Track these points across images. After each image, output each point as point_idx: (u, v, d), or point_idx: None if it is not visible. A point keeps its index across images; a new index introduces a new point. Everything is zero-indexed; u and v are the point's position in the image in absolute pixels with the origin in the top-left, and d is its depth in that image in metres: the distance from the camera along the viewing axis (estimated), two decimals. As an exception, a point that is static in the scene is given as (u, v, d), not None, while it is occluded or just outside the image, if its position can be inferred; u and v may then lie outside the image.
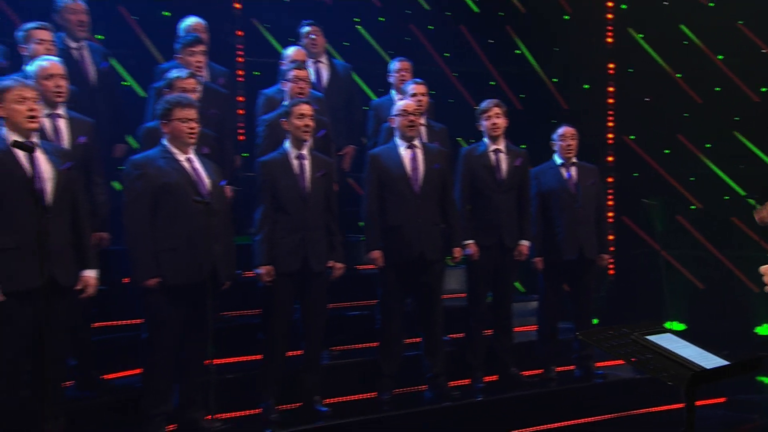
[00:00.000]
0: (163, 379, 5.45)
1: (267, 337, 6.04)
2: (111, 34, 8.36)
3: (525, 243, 6.97)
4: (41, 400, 4.89)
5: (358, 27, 9.72)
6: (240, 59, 9.02)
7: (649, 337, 3.35)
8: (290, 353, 6.17)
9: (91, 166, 5.62)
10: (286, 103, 6.41)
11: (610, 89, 9.91)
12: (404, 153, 6.44)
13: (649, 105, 9.95)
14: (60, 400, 5.03)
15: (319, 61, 7.81)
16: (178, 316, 5.39)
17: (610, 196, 9.61)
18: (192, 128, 5.40)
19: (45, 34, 6.03)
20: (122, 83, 8.18)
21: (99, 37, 8.50)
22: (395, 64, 7.71)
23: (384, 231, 6.38)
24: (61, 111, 5.51)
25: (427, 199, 6.41)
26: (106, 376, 5.94)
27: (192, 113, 5.41)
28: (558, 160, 7.29)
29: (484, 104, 6.97)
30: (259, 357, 6.17)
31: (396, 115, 6.48)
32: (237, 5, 9.09)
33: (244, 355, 6.53)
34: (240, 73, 8.89)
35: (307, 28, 7.79)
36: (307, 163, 6.02)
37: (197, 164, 5.48)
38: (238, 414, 6.09)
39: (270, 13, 9.23)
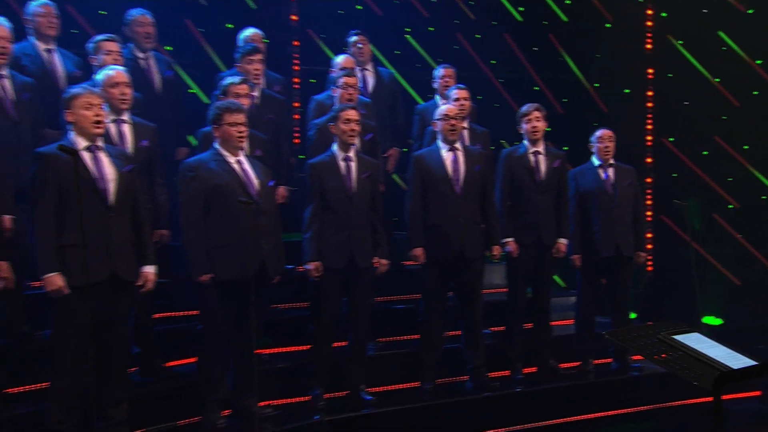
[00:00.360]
0: (217, 367, 5.48)
1: (315, 328, 6.06)
2: (178, 45, 8.49)
3: (563, 241, 6.88)
4: (105, 386, 4.99)
5: (408, 36, 9.67)
6: (296, 67, 9.10)
7: (676, 337, 3.22)
8: (337, 344, 6.18)
9: (153, 167, 5.66)
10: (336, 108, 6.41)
11: (649, 93, 9.76)
12: (446, 155, 6.39)
13: (687, 108, 9.75)
14: (123, 387, 5.07)
15: (365, 69, 7.80)
16: (230, 309, 5.42)
17: (648, 196, 9.51)
18: (241, 132, 5.43)
19: (113, 46, 6.12)
20: (188, 91, 8.28)
21: (168, 48, 8.65)
22: (440, 71, 7.67)
23: (426, 229, 6.34)
24: (125, 116, 5.56)
25: (468, 199, 6.35)
26: (167, 364, 6.01)
27: (241, 118, 5.43)
28: (596, 161, 7.18)
29: (525, 108, 6.88)
30: (308, 347, 6.19)
31: (438, 119, 6.43)
32: (294, 17, 9.15)
33: (295, 345, 6.53)
34: (296, 80, 8.97)
35: (354, 38, 7.79)
36: (353, 164, 6.01)
37: (246, 166, 5.50)
38: (288, 401, 6.13)
39: (325, 23, 9.23)
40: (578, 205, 7.12)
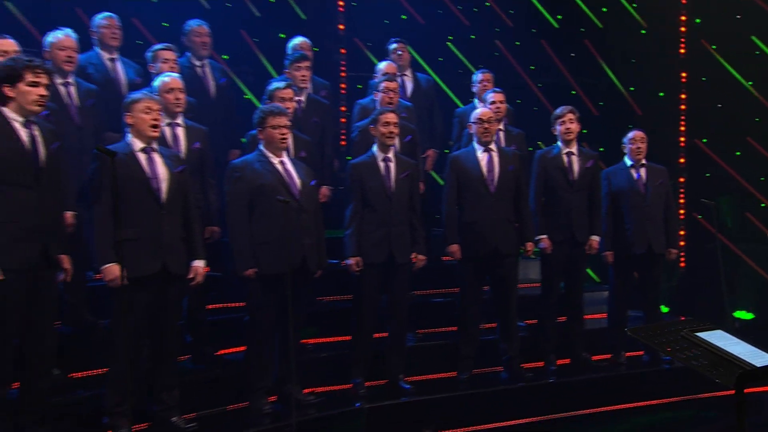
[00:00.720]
0: (263, 356, 5.50)
1: (356, 320, 6.05)
2: (234, 53, 8.56)
3: (595, 238, 6.77)
4: (158, 372, 5.04)
5: (449, 44, 9.61)
6: (343, 74, 9.11)
7: (699, 334, 3.04)
8: (378, 335, 6.15)
9: (204, 168, 5.71)
10: (378, 111, 6.41)
11: (683, 96, 9.54)
12: (481, 156, 6.33)
13: (720, 111, 9.51)
14: (175, 373, 5.11)
15: (404, 75, 7.75)
16: (274, 301, 5.44)
17: (681, 195, 9.34)
18: (283, 134, 5.44)
19: (169, 54, 6.20)
20: (244, 97, 8.34)
21: (225, 57, 8.73)
22: (478, 75, 7.62)
23: (461, 227, 6.29)
24: (179, 120, 5.61)
25: (502, 198, 6.28)
26: (218, 352, 6.04)
27: (283, 121, 5.44)
28: (628, 161, 7.04)
29: (559, 110, 6.79)
30: (350, 338, 6.19)
31: (473, 122, 6.38)
32: (341, 27, 9.17)
33: (338, 336, 6.49)
34: (343, 86, 8.99)
35: (394, 45, 7.75)
36: (392, 165, 5.98)
37: (289, 167, 5.51)
38: (330, 388, 6.11)
39: (371, 33, 9.21)
40: (611, 204, 7.00)
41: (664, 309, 8.73)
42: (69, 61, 5.60)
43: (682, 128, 9.54)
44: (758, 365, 2.85)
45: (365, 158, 6.03)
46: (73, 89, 5.68)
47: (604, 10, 9.91)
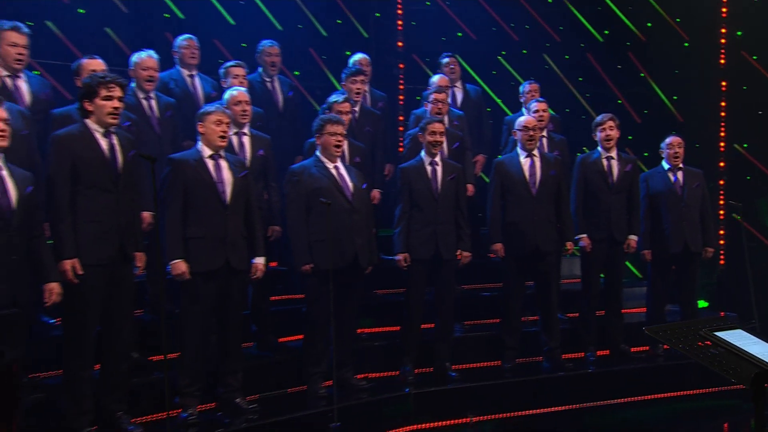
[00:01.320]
0: (319, 344, 5.49)
1: (406, 312, 5.99)
2: (304, 69, 8.63)
3: (634, 237, 6.57)
4: (224, 357, 5.08)
5: (500, 58, 9.47)
6: (401, 86, 9.05)
7: (718, 333, 2.86)
8: (426, 326, 6.08)
9: (268, 172, 5.73)
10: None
11: (723, 104, 9.18)
12: (524, 161, 6.20)
13: (760, 117, 9.13)
14: (239, 358, 5.14)
15: (455, 86, 7.66)
16: (329, 294, 5.41)
17: (721, 197, 8.99)
18: (339, 141, 5.42)
19: (239, 71, 6.26)
20: (315, 110, 8.37)
21: (296, 73, 8.80)
22: (525, 86, 7.47)
23: (504, 227, 6.18)
24: (245, 130, 5.63)
25: (543, 200, 6.14)
26: (281, 340, 6.04)
27: (339, 129, 5.43)
28: (666, 165, 6.82)
29: (599, 118, 6.63)
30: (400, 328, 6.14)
31: (518, 129, 6.25)
32: (399, 44, 9.12)
33: (391, 326, 6.42)
34: (401, 98, 8.94)
35: (446, 59, 7.65)
36: (439, 169, 5.91)
37: (343, 171, 5.49)
38: (382, 374, 6.07)
39: (428, 49, 9.12)
40: (649, 205, 6.79)
41: (704, 304, 8.47)
42: (150, 79, 5.69)
43: (722, 134, 9.19)
44: None
45: (414, 163, 5.97)
46: (153, 102, 5.76)
47: (649, 25, 9.61)
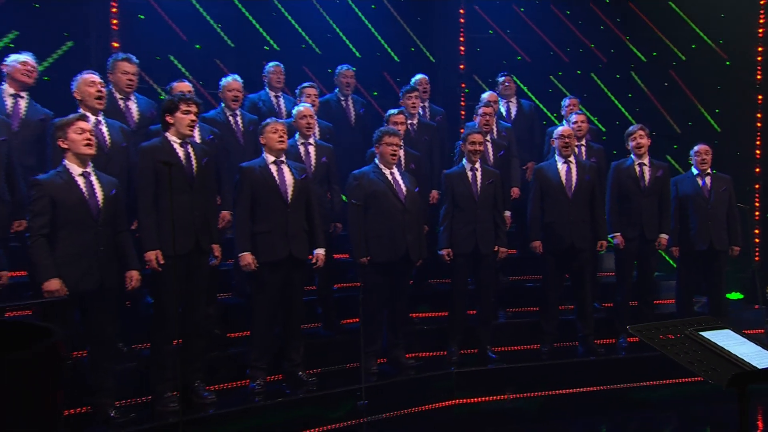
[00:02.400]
0: (373, 326, 5.31)
1: (452, 300, 5.73)
2: (381, 90, 8.50)
3: (664, 236, 6.09)
4: (288, 336, 4.97)
5: (552, 78, 9.04)
6: (462, 103, 8.77)
7: (704, 333, 2.46)
8: (471, 312, 5.81)
9: (330, 177, 5.58)
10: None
11: (759, 116, 8.45)
12: (561, 167, 5.83)
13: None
14: (300, 337, 5.02)
15: (510, 101, 7.32)
16: (384, 283, 5.24)
17: (757, 199, 8.29)
18: (394, 151, 5.23)
19: (311, 91, 6.14)
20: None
21: (374, 93, 8.67)
22: (566, 101, 7.07)
23: (543, 226, 5.84)
24: (311, 140, 5.51)
25: (578, 202, 5.76)
26: (343, 321, 5.88)
27: (395, 140, 5.24)
28: (695, 170, 6.30)
29: (631, 128, 6.21)
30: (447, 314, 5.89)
31: (556, 138, 5.89)
32: (461, 66, 8.86)
33: (442, 311, 6.14)
34: (462, 113, 8.65)
35: (502, 78, 7.34)
36: (478, 174, 5.62)
37: (397, 177, 5.29)
38: (429, 354, 5.83)
39: (486, 70, 8.81)
40: (678, 207, 6.29)
41: (738, 296, 7.83)
42: (235, 99, 5.64)
43: (758, 143, 8.46)
44: (759, 366, 2.27)
45: (456, 169, 5.71)
46: (239, 119, 5.71)
47: (693, 47, 8.98)
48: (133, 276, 4.15)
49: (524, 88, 8.66)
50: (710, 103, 8.92)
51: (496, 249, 5.64)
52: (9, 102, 4.75)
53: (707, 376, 2.25)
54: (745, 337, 2.50)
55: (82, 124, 3.94)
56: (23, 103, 4.80)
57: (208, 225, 4.49)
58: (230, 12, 8.11)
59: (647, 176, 6.06)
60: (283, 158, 4.84)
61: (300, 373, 4.93)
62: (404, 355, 5.44)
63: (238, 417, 4.52)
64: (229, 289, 5.85)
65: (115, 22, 7.55)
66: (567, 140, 5.81)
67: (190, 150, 4.42)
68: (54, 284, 3.78)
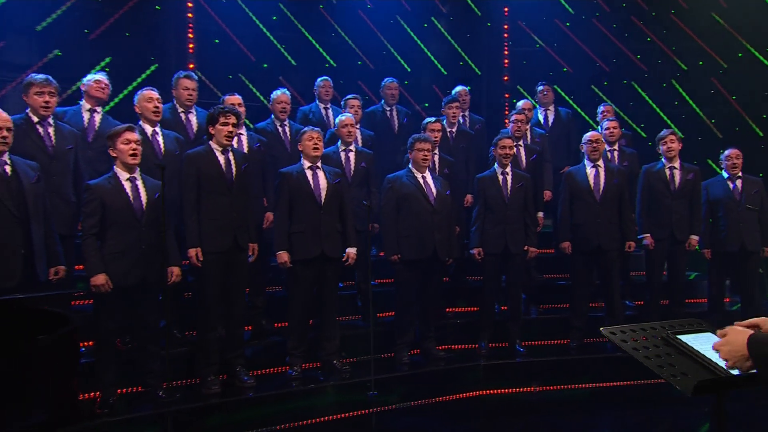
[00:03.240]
0: (405, 319, 5.08)
1: (482, 295, 5.40)
2: (431, 102, 8.23)
3: (695, 237, 5.56)
4: (323, 327, 4.79)
5: (594, 87, 8.50)
6: (506, 112, 8.39)
7: (682, 336, 2.04)
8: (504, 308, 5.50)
9: (370, 181, 5.38)
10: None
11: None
12: (590, 171, 5.39)
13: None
14: (335, 327, 4.83)
15: (548, 109, 6.89)
16: (415, 279, 4.98)
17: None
18: (425, 156, 4.97)
19: (354, 102, 5.99)
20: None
21: (425, 105, 8.41)
22: (600, 108, 6.60)
23: (572, 227, 5.43)
24: (351, 147, 5.33)
25: (606, 205, 5.32)
26: (380, 315, 5.64)
27: (426, 146, 4.98)
28: (725, 174, 5.70)
29: (662, 133, 5.69)
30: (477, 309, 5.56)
31: (584, 143, 5.46)
32: (506, 78, 8.48)
33: (474, 307, 5.82)
34: (506, 122, 8.21)
35: (541, 87, 6.92)
36: (509, 178, 5.28)
37: (429, 180, 5.02)
38: (459, 347, 5.52)
39: (532, 81, 8.35)
40: (709, 210, 5.72)
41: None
42: (283, 111, 5.52)
43: (799, 147, 7.68)
44: (735, 373, 1.84)
45: (488, 173, 5.38)
46: (287, 129, 5.59)
47: (740, 55, 8.23)
48: (174, 271, 4.08)
49: (567, 98, 8.21)
50: (755, 109, 8.15)
51: (526, 248, 5.28)
52: (86, 116, 4.80)
53: (674, 381, 1.86)
54: None
55: (128, 135, 3.89)
56: (98, 117, 4.83)
57: (246, 225, 4.37)
58: (294, 35, 8.07)
59: (677, 179, 5.54)
60: (318, 164, 4.68)
61: (335, 362, 4.74)
62: (435, 347, 5.17)
63: (274, 400, 4.37)
64: (280, 282, 5.73)
65: (191, 46, 7.65)
66: (595, 145, 5.37)
67: (231, 157, 4.31)
68: (100, 279, 3.75)
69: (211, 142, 4.28)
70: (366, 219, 5.20)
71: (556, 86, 7.28)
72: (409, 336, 5.08)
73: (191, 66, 7.57)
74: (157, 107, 4.54)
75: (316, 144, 4.61)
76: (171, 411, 3.77)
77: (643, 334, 2.05)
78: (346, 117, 5.30)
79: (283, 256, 4.51)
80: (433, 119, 5.62)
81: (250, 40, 7.82)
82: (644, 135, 8.09)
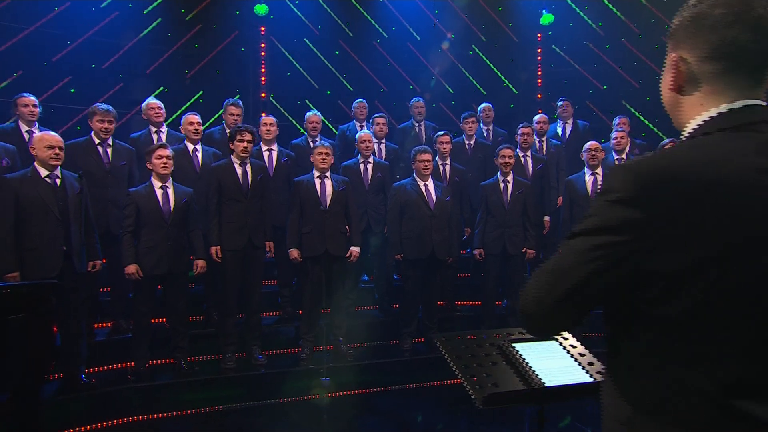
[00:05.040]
0: (410, 311, 4.80)
1: (483, 292, 4.99)
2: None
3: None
4: (333, 315, 4.63)
5: (624, 102, 7.69)
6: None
7: (516, 344, 1.73)
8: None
9: (386, 189, 5.13)
10: (518, 150, 5.30)
11: None
12: (588, 178, 4.85)
13: None
14: (342, 316, 4.62)
15: (566, 122, 6.31)
16: (418, 276, 4.70)
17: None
18: (426, 166, 4.67)
19: (381, 120, 5.74)
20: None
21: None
22: (617, 120, 5.92)
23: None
24: (370, 159, 5.12)
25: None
26: (395, 306, 5.36)
27: (426, 156, 4.69)
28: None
29: (663, 142, 4.96)
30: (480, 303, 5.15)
31: (584, 152, 4.93)
32: (539, 96, 7.90)
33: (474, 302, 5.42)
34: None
35: (561, 102, 6.35)
36: (510, 185, 4.85)
37: (431, 187, 4.71)
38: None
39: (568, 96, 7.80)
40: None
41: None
42: (314, 129, 5.42)
43: None
44: (548, 385, 1.53)
45: (491, 180, 4.97)
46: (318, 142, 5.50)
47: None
48: (199, 264, 4.09)
49: (597, 111, 7.50)
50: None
51: (524, 250, 4.83)
52: (154, 138, 4.95)
53: (473, 391, 1.56)
54: (572, 350, 1.68)
55: (160, 152, 3.96)
56: (162, 136, 4.98)
57: (260, 226, 4.29)
58: (352, 64, 8.02)
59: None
60: (327, 174, 4.52)
61: (342, 346, 4.56)
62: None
63: (282, 377, 4.27)
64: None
65: (263, 79, 7.82)
66: (594, 153, 4.82)
67: (248, 169, 4.27)
68: (131, 269, 3.84)
69: (232, 155, 4.27)
70: (383, 222, 5.02)
71: (588, 102, 6.66)
72: (412, 326, 4.79)
73: (263, 95, 7.74)
74: (196, 129, 4.61)
75: (324, 158, 4.47)
76: (188, 381, 3.78)
77: (473, 342, 1.71)
78: (364, 133, 5.12)
79: (294, 252, 4.40)
80: (441, 133, 5.30)
81: (315, 72, 7.87)
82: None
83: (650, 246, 0.86)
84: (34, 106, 4.40)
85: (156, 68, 7.15)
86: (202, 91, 7.35)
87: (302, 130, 5.78)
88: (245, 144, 4.18)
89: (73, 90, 6.60)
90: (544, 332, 0.97)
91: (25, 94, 4.45)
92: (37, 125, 4.47)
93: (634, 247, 0.87)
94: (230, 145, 4.24)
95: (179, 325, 4.08)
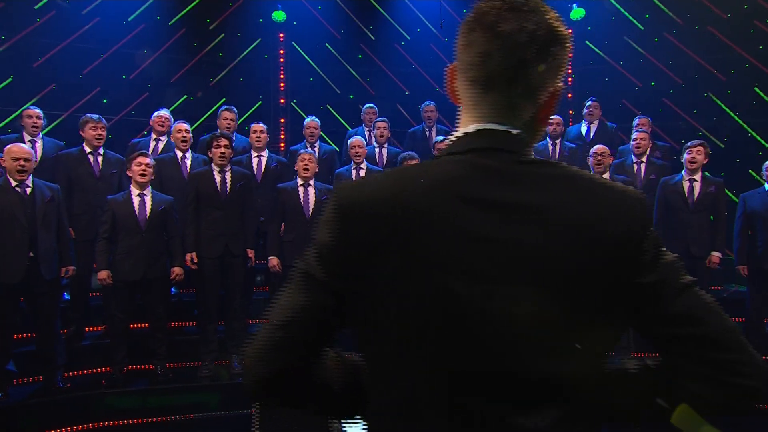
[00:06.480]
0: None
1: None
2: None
3: (716, 254, 4.33)
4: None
5: (665, 100, 7.04)
6: (570, 123, 7.29)
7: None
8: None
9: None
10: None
11: None
12: (591, 183, 4.38)
13: None
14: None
15: (592, 123, 5.81)
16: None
17: None
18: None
19: (382, 124, 5.56)
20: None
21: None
22: (636, 120, 5.42)
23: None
24: (362, 165, 4.89)
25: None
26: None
27: (414, 162, 4.39)
28: (767, 186, 4.24)
29: (691, 142, 4.50)
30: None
31: (590, 156, 4.54)
32: (569, 95, 7.38)
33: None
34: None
35: (590, 102, 5.90)
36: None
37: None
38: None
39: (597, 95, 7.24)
40: (745, 223, 4.32)
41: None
42: (311, 135, 5.33)
43: None
44: None
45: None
46: (317, 150, 5.37)
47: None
48: (175, 270, 4.06)
49: (633, 109, 6.91)
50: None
51: None
52: (152, 144, 5.02)
53: None
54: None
55: (140, 159, 3.95)
56: (160, 145, 5.02)
57: (239, 234, 4.21)
58: (374, 69, 7.86)
59: (696, 192, 4.30)
60: (311, 182, 4.36)
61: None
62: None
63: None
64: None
65: (282, 85, 7.80)
66: (600, 158, 4.41)
67: (227, 177, 4.19)
68: (103, 274, 3.86)
69: (212, 163, 4.19)
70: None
71: (624, 100, 6.12)
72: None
73: (282, 101, 7.72)
74: (184, 137, 4.59)
75: (307, 165, 4.33)
76: (161, 388, 3.73)
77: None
78: (355, 139, 4.93)
79: (273, 261, 4.29)
80: (440, 138, 5.01)
81: (338, 76, 7.76)
82: (722, 145, 6.49)
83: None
84: (38, 118, 4.53)
85: (181, 77, 7.28)
86: (224, 98, 7.41)
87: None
88: (222, 150, 4.10)
89: (105, 101, 6.82)
90: None
91: (31, 107, 4.59)
92: (41, 136, 4.61)
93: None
94: (208, 152, 4.17)
95: (157, 331, 4.05)
